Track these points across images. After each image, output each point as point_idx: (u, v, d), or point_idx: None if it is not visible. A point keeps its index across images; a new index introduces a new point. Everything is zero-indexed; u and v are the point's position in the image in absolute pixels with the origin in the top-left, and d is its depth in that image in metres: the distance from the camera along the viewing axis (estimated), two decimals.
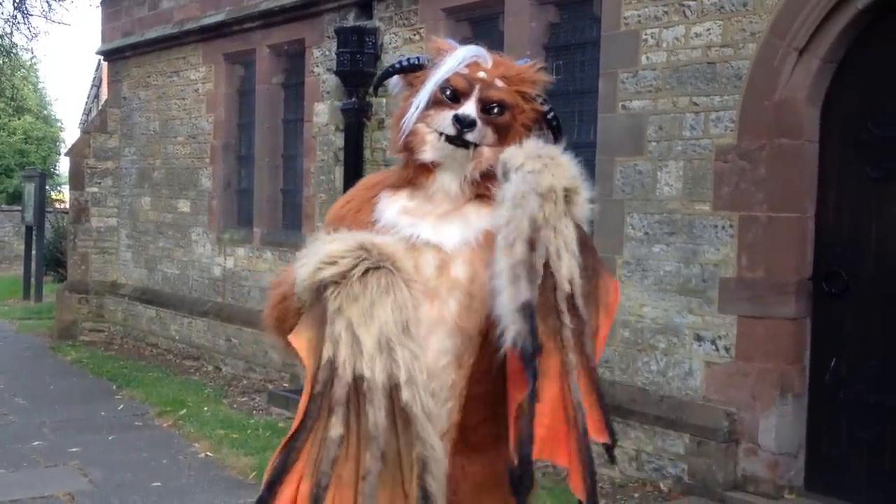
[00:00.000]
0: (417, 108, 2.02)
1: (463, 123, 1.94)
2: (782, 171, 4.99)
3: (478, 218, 1.97)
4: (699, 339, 5.32)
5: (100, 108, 29.20)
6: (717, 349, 5.23)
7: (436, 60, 2.06)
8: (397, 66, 2.13)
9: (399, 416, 1.72)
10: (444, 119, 1.97)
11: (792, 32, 4.90)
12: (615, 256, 5.78)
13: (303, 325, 1.84)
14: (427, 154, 1.99)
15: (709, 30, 5.29)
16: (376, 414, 1.70)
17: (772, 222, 5.01)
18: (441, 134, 1.97)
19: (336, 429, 1.73)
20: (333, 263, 1.77)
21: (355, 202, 2.07)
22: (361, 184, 2.16)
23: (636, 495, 5.37)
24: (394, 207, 2.01)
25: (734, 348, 5.13)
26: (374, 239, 1.83)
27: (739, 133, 5.13)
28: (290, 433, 1.79)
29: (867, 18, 4.82)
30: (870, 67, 4.90)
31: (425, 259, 1.92)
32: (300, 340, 1.82)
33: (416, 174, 2.02)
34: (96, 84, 33.30)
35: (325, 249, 1.80)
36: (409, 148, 2.01)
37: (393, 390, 1.71)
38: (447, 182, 2.00)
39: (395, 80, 2.13)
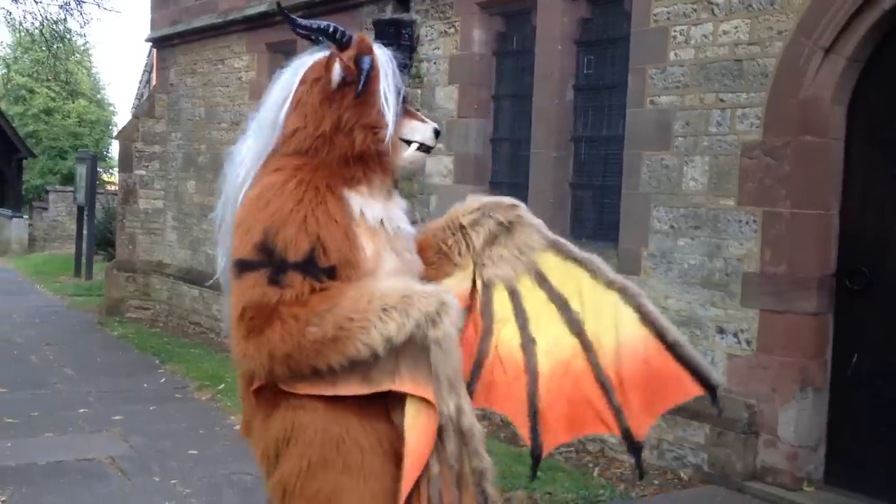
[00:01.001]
0: (396, 118, 2.20)
1: (438, 136, 2.29)
2: (807, 168, 4.96)
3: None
4: (721, 331, 5.32)
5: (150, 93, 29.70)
6: (739, 342, 5.22)
7: (361, 58, 2.16)
8: (327, 28, 2.24)
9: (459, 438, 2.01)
10: (419, 130, 2.26)
11: (818, 31, 4.85)
12: (640, 248, 5.79)
13: (424, 379, 1.99)
14: (405, 161, 2.26)
15: (736, 28, 5.25)
16: (452, 443, 2.00)
17: (795, 218, 4.99)
18: (416, 143, 2.25)
19: (434, 467, 2.02)
20: (434, 324, 1.96)
21: (308, 203, 2.04)
22: (285, 186, 2.08)
23: (656, 482, 5.40)
24: (375, 205, 2.17)
25: (756, 341, 5.12)
26: (446, 296, 2.02)
27: (765, 130, 5.10)
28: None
29: (894, 18, 4.75)
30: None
31: (408, 244, 2.23)
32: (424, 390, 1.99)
33: (380, 174, 2.20)
34: (148, 69, 33.73)
35: (417, 305, 1.96)
36: (382, 152, 2.17)
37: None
38: (397, 183, 2.32)
39: (337, 70, 2.16)
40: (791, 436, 4.99)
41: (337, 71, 2.15)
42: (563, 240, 2.47)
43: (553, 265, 2.40)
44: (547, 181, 6.58)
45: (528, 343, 2.34)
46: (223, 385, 7.66)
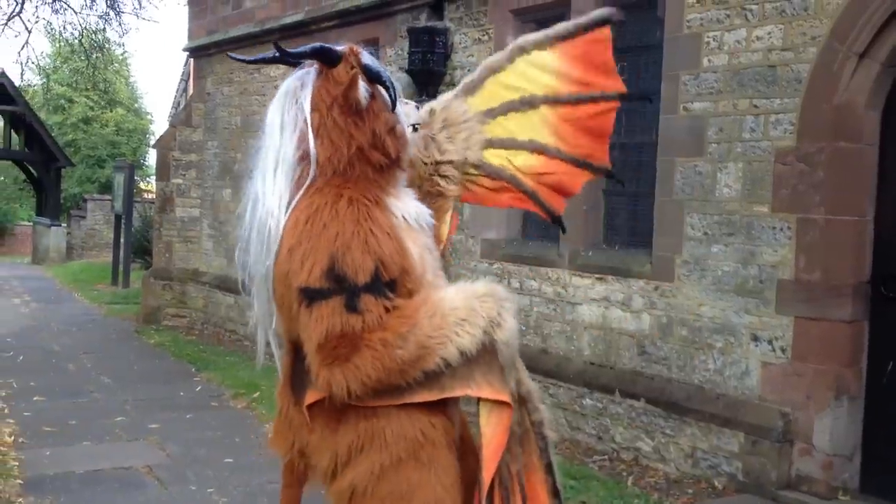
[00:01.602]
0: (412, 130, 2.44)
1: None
2: (841, 174, 5.00)
3: None
4: (756, 339, 5.37)
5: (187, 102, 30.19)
6: (774, 349, 5.27)
7: (377, 72, 2.28)
8: (319, 50, 2.30)
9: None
10: (410, 114, 2.47)
11: (852, 37, 4.90)
12: (674, 255, 5.86)
13: (497, 381, 2.17)
14: (412, 147, 2.49)
15: (770, 33, 5.32)
16: (515, 411, 2.29)
17: (830, 225, 5.03)
18: (411, 126, 2.47)
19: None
20: (499, 325, 2.14)
21: (363, 221, 2.12)
22: (337, 206, 2.15)
23: (690, 491, 5.46)
24: (406, 204, 2.31)
25: (790, 349, 5.17)
26: (501, 291, 2.20)
27: (799, 136, 5.15)
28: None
29: None
30: None
31: (431, 232, 2.40)
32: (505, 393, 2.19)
33: (401, 172, 2.37)
34: (184, 79, 34.34)
35: (481, 312, 2.13)
36: (401, 159, 2.35)
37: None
38: None
39: (363, 88, 2.26)
40: (826, 444, 5.03)
41: (363, 89, 2.24)
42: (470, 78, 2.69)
43: (493, 127, 2.65)
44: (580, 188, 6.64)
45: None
46: (258, 393, 7.84)
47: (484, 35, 7.43)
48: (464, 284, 2.22)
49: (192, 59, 12.93)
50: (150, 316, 12.12)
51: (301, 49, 2.28)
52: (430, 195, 2.54)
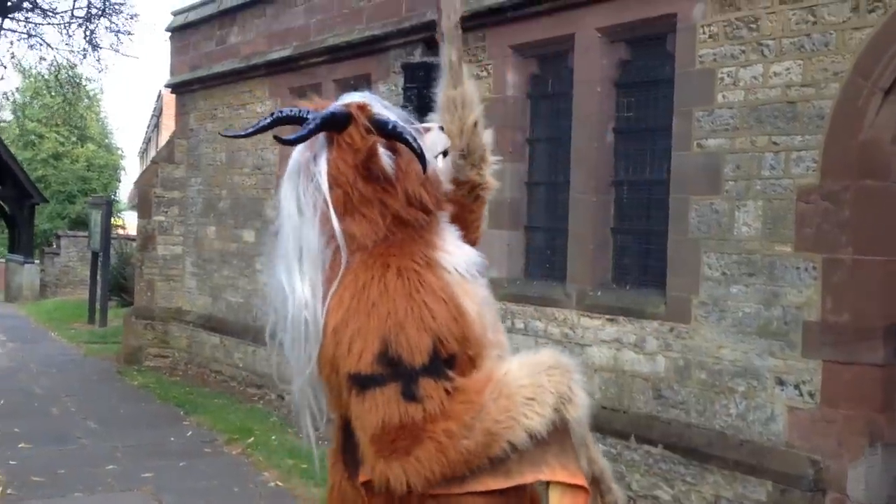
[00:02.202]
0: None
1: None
2: (868, 213, 4.83)
3: None
4: (781, 383, 5.14)
5: (159, 137, 29.87)
6: (801, 394, 5.05)
7: (394, 128, 2.00)
8: (326, 119, 1.98)
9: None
10: (436, 141, 2.19)
11: (877, 72, 4.75)
12: (691, 296, 5.64)
13: (571, 462, 1.94)
14: (447, 180, 2.23)
15: (788, 69, 5.15)
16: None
17: (857, 265, 4.84)
18: (440, 155, 2.21)
19: None
20: (570, 401, 1.91)
21: (416, 292, 1.89)
22: (385, 280, 1.91)
23: None
24: (454, 254, 2.06)
25: (819, 394, 4.95)
26: (568, 363, 1.96)
27: (822, 173, 4.97)
28: None
29: None
30: None
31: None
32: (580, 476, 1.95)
33: (440, 215, 2.13)
34: (156, 114, 34.03)
35: (549, 389, 1.89)
36: (440, 203, 2.11)
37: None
38: None
39: (386, 156, 1.99)
40: (861, 494, 4.80)
41: (385, 157, 2.00)
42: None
43: None
44: (587, 226, 6.45)
45: None
46: (252, 438, 7.51)
47: (482, 71, 7.23)
48: (528, 355, 2.00)
49: (165, 94, 12.64)
50: (131, 356, 11.70)
51: (304, 131, 1.96)
52: (468, 207, 2.37)
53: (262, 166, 10.26)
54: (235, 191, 10.72)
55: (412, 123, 2.13)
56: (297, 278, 2.00)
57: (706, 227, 5.59)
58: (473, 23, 6.91)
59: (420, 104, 7.52)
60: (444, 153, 2.26)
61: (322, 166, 1.99)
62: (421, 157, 1.99)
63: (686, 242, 5.69)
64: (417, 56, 7.86)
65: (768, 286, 5.23)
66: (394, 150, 2.02)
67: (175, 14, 12.10)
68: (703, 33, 5.59)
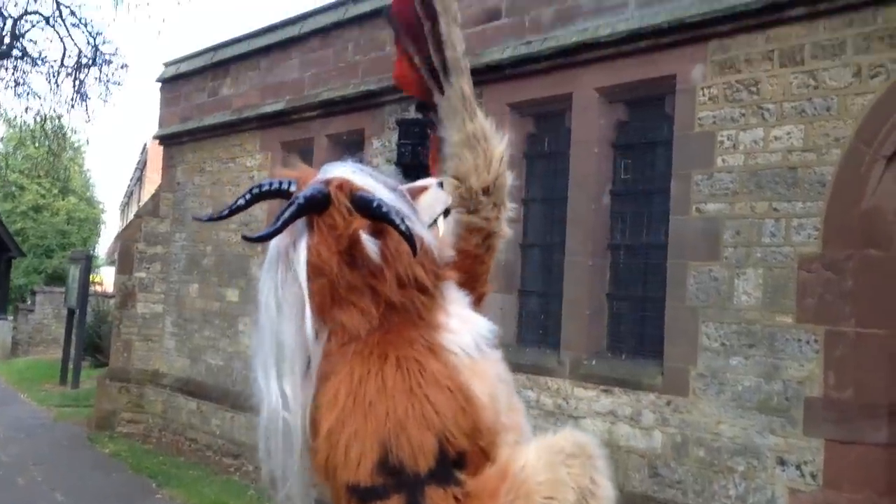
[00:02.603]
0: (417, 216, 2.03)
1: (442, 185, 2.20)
2: (872, 284, 4.89)
3: None
4: (782, 462, 5.15)
5: (142, 190, 30.12)
6: (803, 475, 5.04)
7: (378, 207, 1.87)
8: (306, 202, 1.86)
9: None
10: (436, 200, 2.07)
11: (879, 139, 4.87)
12: (688, 367, 5.68)
13: None
14: (446, 243, 2.10)
15: (789, 133, 5.28)
16: None
17: (861, 338, 4.89)
18: (440, 215, 2.09)
19: None
20: (593, 495, 1.82)
21: (416, 385, 1.82)
22: (383, 375, 1.84)
23: None
24: (461, 331, 1.94)
25: (821, 475, 4.95)
26: (589, 447, 1.88)
27: (824, 242, 5.06)
28: None
29: None
30: None
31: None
32: None
33: (441, 286, 1.99)
34: (140, 166, 34.37)
35: (569, 483, 1.80)
36: (441, 276, 1.98)
37: None
38: None
39: (370, 242, 1.88)
40: None
41: (370, 243, 1.89)
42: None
43: None
44: (582, 290, 6.52)
45: None
46: None
47: None
48: (546, 439, 1.89)
49: (150, 147, 12.81)
50: (103, 421, 11.64)
51: (278, 224, 1.86)
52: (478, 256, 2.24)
53: (249, 222, 10.35)
54: (221, 247, 10.81)
55: (402, 187, 2.00)
56: (273, 380, 1.90)
57: (705, 295, 5.65)
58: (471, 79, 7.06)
59: (413, 161, 7.68)
60: (447, 212, 2.07)
61: (301, 254, 1.89)
62: (409, 239, 1.83)
63: (684, 310, 5.75)
64: (412, 112, 8.02)
65: (769, 358, 5.27)
66: (380, 231, 1.89)
67: (167, 65, 12.35)
68: (703, 95, 5.73)
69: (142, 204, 17.29)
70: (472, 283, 2.14)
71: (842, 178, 5.01)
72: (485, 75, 7.27)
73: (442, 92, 2.32)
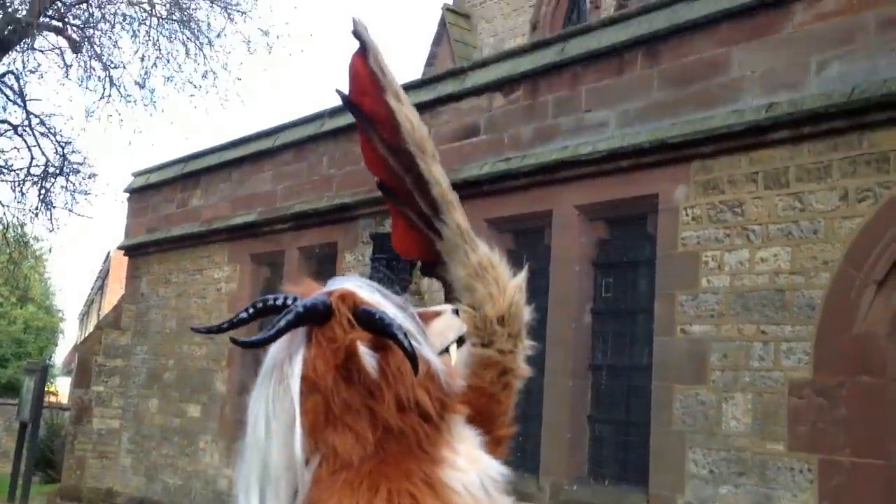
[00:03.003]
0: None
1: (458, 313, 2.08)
2: (866, 412, 4.75)
3: None
4: None
5: (103, 300, 29.67)
6: None
7: (381, 320, 1.82)
8: (307, 311, 1.72)
9: None
10: (450, 327, 1.95)
11: (869, 263, 4.82)
12: (675, 495, 5.45)
13: None
14: (459, 372, 1.92)
15: (776, 255, 5.22)
16: None
17: (856, 468, 4.72)
18: (453, 343, 1.94)
19: None
20: None
21: None
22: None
23: None
24: (467, 470, 1.81)
25: None
26: None
27: (815, 367, 4.94)
28: None
29: None
30: None
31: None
32: None
33: (448, 418, 1.81)
34: (102, 276, 33.98)
35: None
36: (448, 406, 1.86)
37: None
38: None
39: (368, 356, 1.83)
40: None
41: (369, 357, 1.81)
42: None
43: None
44: (563, 412, 6.32)
45: None
46: None
47: None
48: None
49: (113, 257, 12.60)
50: None
51: (273, 330, 1.75)
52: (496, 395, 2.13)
53: (214, 336, 10.08)
54: (183, 361, 10.49)
55: (411, 310, 1.91)
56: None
57: (692, 420, 5.47)
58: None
59: (387, 276, 7.54)
60: (460, 341, 2.02)
61: (297, 367, 1.75)
62: (412, 357, 1.77)
63: (670, 435, 5.55)
64: (387, 226, 7.93)
65: (760, 488, 5.07)
66: (382, 347, 1.83)
67: (136, 175, 12.24)
68: (686, 215, 5.69)
69: (102, 314, 16.92)
70: (488, 424, 1.98)
71: (831, 303, 4.93)
72: (462, 190, 7.17)
73: (440, 236, 2.23)
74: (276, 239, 9.46)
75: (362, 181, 8.38)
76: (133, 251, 11.96)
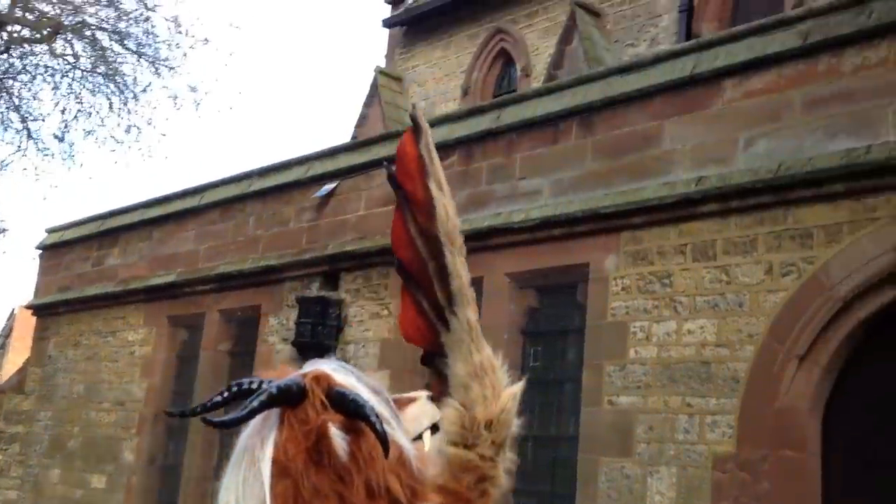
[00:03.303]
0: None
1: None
2: (788, 487, 4.86)
3: None
4: None
5: (4, 360, 28.61)
6: None
7: (357, 405, 1.85)
8: (279, 394, 1.77)
9: None
10: (423, 413, 2.07)
11: (792, 338, 4.97)
12: None
13: None
14: (435, 461, 2.01)
15: (702, 327, 5.36)
16: None
17: None
18: (427, 430, 2.07)
19: None
20: None
21: None
22: None
23: None
24: None
25: None
26: None
27: (739, 441, 5.04)
28: None
29: (869, 328, 4.92)
30: (872, 380, 4.93)
31: None
32: None
33: None
34: (4, 334, 32.81)
35: None
36: (420, 494, 1.82)
37: None
38: None
39: (340, 439, 1.74)
40: None
41: (339, 439, 1.82)
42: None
43: None
44: None
45: None
46: None
47: (383, 309, 7.29)
48: None
49: (17, 315, 12.27)
50: None
51: (245, 410, 1.76)
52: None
53: (124, 401, 9.83)
54: (90, 428, 10.16)
55: (386, 395, 1.91)
56: None
57: (616, 494, 5.51)
58: (377, 259, 7.07)
59: (312, 340, 7.50)
60: (434, 428, 2.08)
61: (268, 451, 1.77)
62: (383, 440, 1.75)
63: None
64: (315, 290, 7.92)
65: None
66: (355, 430, 1.83)
67: (50, 231, 12.00)
68: (616, 285, 5.82)
69: (3, 373, 16.33)
70: None
71: (755, 376, 5.07)
72: (389, 256, 7.28)
73: (448, 328, 2.27)
74: (197, 301, 9.34)
75: (290, 243, 8.38)
76: (42, 310, 11.65)
